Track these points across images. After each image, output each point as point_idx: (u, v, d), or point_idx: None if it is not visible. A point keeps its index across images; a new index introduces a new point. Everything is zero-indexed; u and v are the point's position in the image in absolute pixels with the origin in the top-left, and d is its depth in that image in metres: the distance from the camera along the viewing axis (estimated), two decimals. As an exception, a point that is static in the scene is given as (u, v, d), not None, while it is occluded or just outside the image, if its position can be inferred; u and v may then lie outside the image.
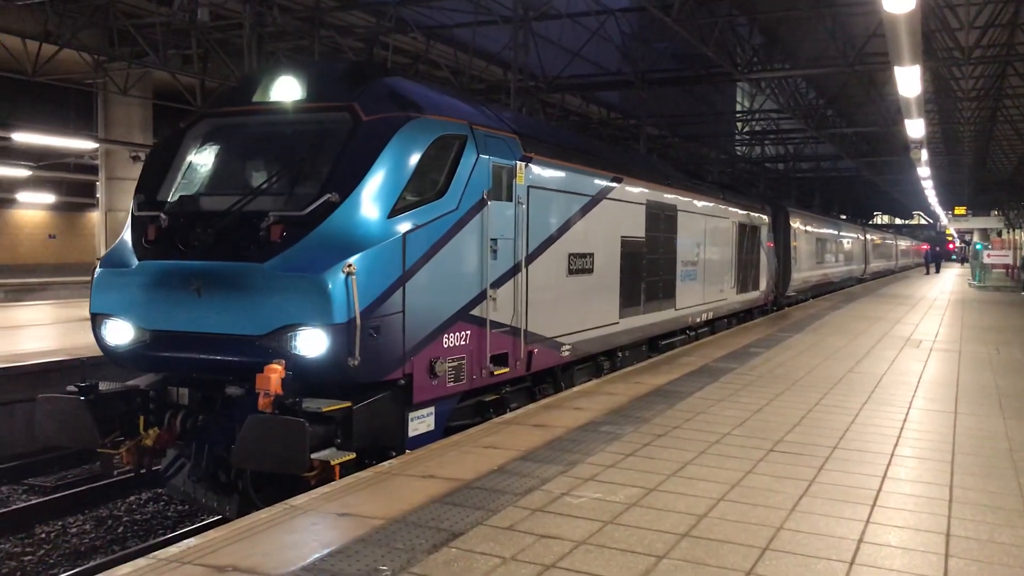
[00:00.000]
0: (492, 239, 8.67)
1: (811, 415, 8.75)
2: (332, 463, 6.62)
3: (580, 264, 10.95)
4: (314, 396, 7.03)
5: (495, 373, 8.83)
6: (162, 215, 7.70)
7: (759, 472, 6.54)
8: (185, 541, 4.95)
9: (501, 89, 25.09)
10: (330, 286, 6.84)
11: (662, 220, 14.26)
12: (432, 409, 8.05)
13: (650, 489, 6.02)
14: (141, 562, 4.60)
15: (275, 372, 6.65)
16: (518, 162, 9.30)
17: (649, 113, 29.76)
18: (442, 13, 22.22)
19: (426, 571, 4.47)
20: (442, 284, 7.89)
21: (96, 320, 7.82)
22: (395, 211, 7.40)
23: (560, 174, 10.44)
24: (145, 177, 8.37)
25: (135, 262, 7.59)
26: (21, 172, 26.99)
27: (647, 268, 13.48)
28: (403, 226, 7.43)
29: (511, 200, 9.12)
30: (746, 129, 42.13)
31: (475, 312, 8.43)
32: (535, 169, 9.69)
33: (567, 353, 10.61)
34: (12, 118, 25.07)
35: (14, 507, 9.28)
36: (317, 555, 4.67)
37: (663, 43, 28.97)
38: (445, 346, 7.99)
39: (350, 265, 6.90)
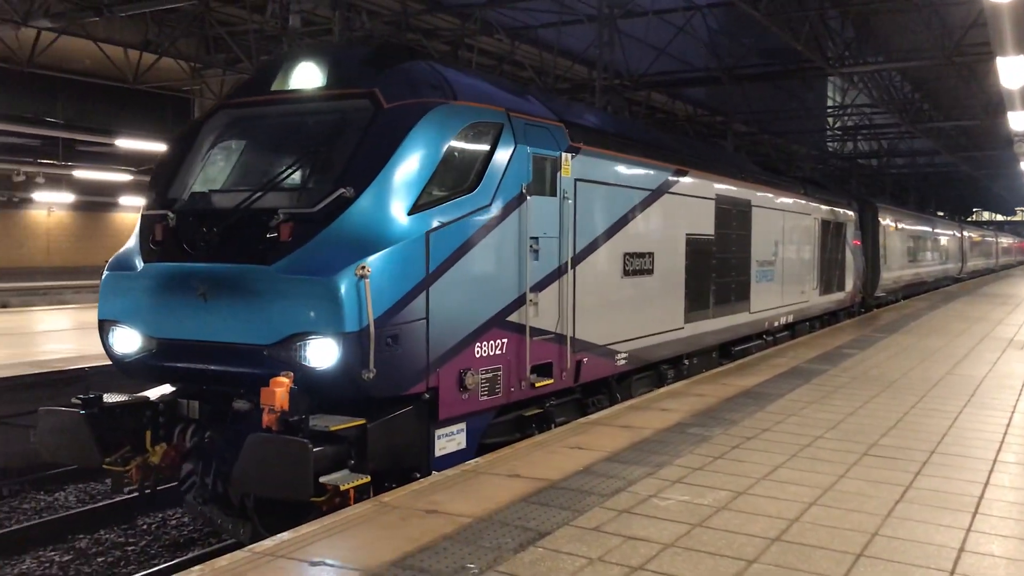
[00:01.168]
0: (532, 238, 7.93)
1: (907, 418, 8.48)
2: (342, 488, 5.94)
3: (638, 265, 10.15)
4: (330, 412, 6.51)
5: (537, 385, 8.06)
6: (169, 214, 7.14)
7: (853, 476, 6.37)
8: (279, 535, 5.08)
9: (586, 88, 25.01)
10: (340, 290, 6.20)
11: (734, 216, 13.34)
12: (463, 425, 7.35)
13: (739, 492, 5.93)
14: (239, 555, 4.74)
15: (281, 386, 6.01)
16: (563, 153, 8.53)
17: (737, 110, 29.30)
18: (527, 14, 22.27)
19: (513, 570, 4.49)
20: (473, 288, 7.21)
21: (103, 327, 7.33)
22: (417, 207, 6.73)
23: (613, 166, 9.61)
24: (157, 173, 7.88)
25: (140, 265, 7.11)
26: (124, 177, 28.09)
27: (717, 268, 12.62)
28: (427, 223, 6.76)
29: (555, 195, 8.36)
30: (837, 125, 41.09)
31: (512, 318, 7.71)
32: (584, 160, 8.90)
33: (623, 362, 9.82)
34: (114, 125, 26.12)
35: (118, 499, 9.65)
36: (406, 551, 4.74)
37: (751, 38, 28.45)
38: (477, 356, 7.29)
39: (363, 267, 6.26)
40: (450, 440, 7.24)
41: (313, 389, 6.35)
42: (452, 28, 22.98)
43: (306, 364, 6.33)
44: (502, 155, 7.61)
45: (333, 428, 6.14)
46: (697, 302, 11.87)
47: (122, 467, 6.92)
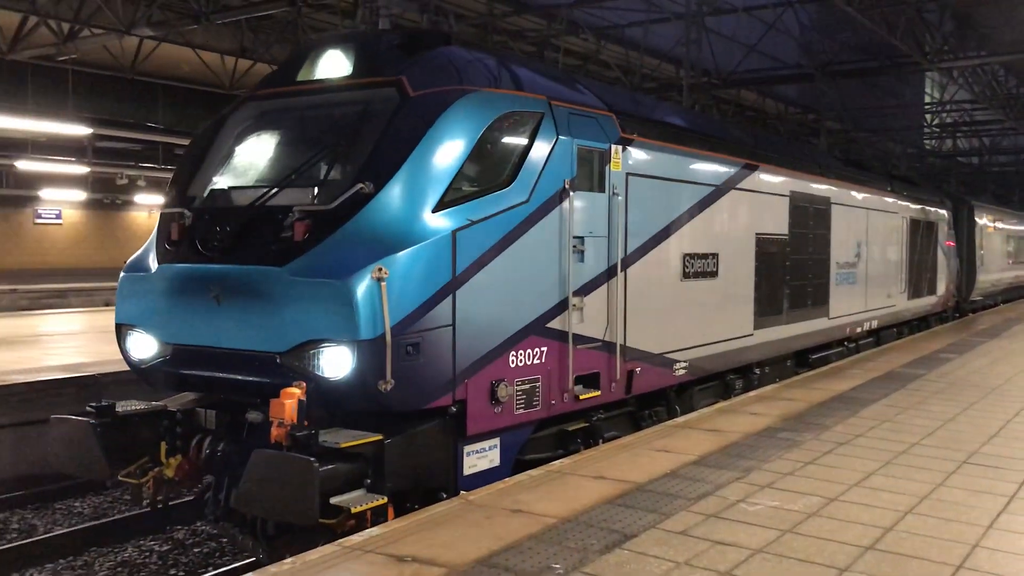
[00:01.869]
0: (577, 237, 7.40)
1: (1010, 426, 8.15)
2: (354, 510, 5.49)
3: (699, 266, 9.49)
4: (350, 426, 6.06)
5: (581, 398, 7.51)
6: (185, 212, 6.85)
7: (951, 485, 6.15)
8: (368, 530, 5.18)
9: (673, 87, 24.76)
10: (354, 294, 5.75)
11: (811, 214, 12.51)
12: (496, 441, 6.85)
13: (831, 499, 5.79)
14: (328, 548, 4.85)
15: (290, 397, 5.68)
16: (613, 145, 7.94)
17: (830, 107, 28.59)
18: (614, 13, 22.16)
19: (598, 571, 4.48)
20: (507, 292, 6.69)
21: (119, 331, 7.04)
22: (443, 203, 6.26)
23: (671, 159, 8.98)
24: (179, 170, 7.55)
25: (155, 266, 6.81)
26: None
27: (792, 271, 11.82)
28: (453, 221, 6.26)
29: (603, 190, 7.80)
30: (936, 122, 39.73)
31: (553, 325, 7.18)
32: (636, 153, 8.31)
33: (682, 372, 9.19)
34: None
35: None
36: (492, 549, 4.77)
37: (845, 33, 27.74)
38: (512, 366, 6.78)
39: (380, 269, 5.81)
40: (481, 457, 6.73)
41: (328, 401, 5.98)
42: (538, 29, 23.02)
43: (320, 374, 5.93)
44: (542, 147, 7.09)
45: (344, 445, 5.65)
46: (768, 307, 11.18)
47: (138, 479, 6.64)
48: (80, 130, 16.76)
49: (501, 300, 6.65)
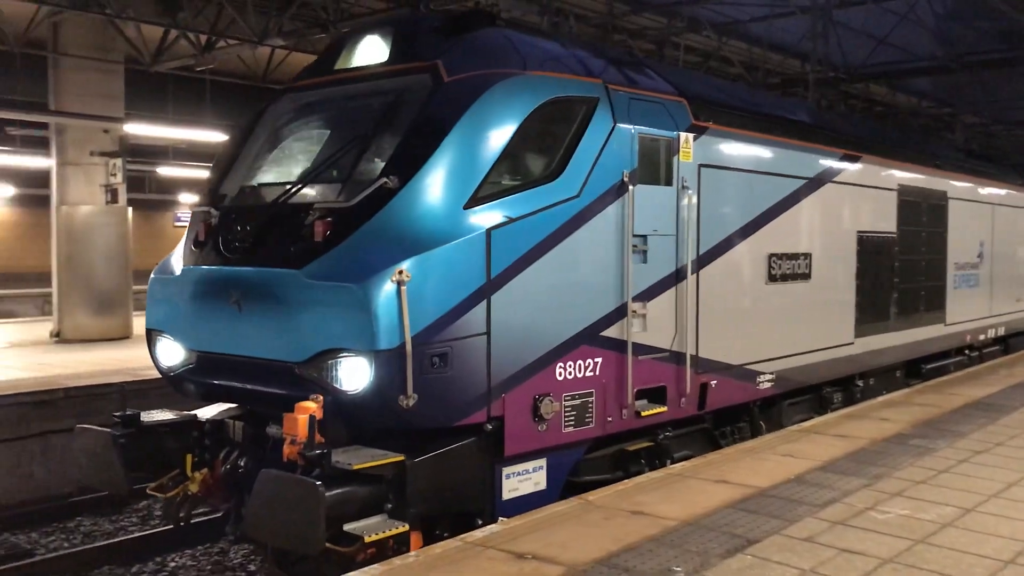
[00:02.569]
0: (638, 236, 6.84)
1: None
2: (367, 539, 5.11)
3: (788, 268, 8.75)
4: (376, 443, 5.66)
5: (643, 414, 6.94)
6: (212, 211, 6.54)
7: (1102, 499, 5.80)
8: (489, 527, 5.26)
9: (799, 82, 24.08)
10: (371, 300, 5.32)
11: (924, 211, 11.48)
12: (542, 462, 6.33)
13: (967, 509, 5.53)
14: (451, 543, 4.95)
15: (305, 412, 5.30)
16: (683, 133, 7.34)
17: (967, 100, 27.25)
18: (736, 8, 21.72)
19: (720, 576, 4.43)
20: (552, 297, 6.19)
21: (149, 336, 6.79)
22: (476, 199, 5.80)
23: (753, 149, 8.29)
24: (214, 166, 7.26)
25: (180, 268, 6.55)
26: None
27: (901, 273, 10.88)
28: (488, 218, 5.78)
29: (670, 183, 7.21)
30: (1086, 112, 37.22)
31: (609, 333, 6.65)
32: (711, 142, 7.69)
33: (768, 385, 8.53)
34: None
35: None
36: (611, 550, 4.77)
37: (984, 21, 26.36)
38: (559, 378, 6.27)
39: (401, 271, 5.35)
40: (523, 480, 6.20)
41: (347, 417, 5.60)
42: (658, 27, 22.78)
43: (338, 386, 5.54)
44: (596, 135, 6.55)
45: (357, 466, 5.24)
46: (873, 313, 10.27)
47: (165, 493, 6.40)
48: (216, 136, 17.57)
49: (546, 306, 6.17)
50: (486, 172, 5.90)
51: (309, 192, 6.18)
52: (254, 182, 6.77)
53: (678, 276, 7.35)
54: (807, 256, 9.12)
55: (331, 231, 5.70)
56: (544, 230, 6.14)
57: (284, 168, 6.83)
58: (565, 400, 6.35)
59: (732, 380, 8.09)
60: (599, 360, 6.60)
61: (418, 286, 5.43)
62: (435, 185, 5.74)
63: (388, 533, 5.23)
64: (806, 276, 9.10)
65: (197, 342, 6.39)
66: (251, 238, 6.14)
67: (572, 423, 6.43)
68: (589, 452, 6.79)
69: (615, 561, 4.61)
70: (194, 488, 6.38)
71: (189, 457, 6.45)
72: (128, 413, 6.34)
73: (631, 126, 6.88)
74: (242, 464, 6.26)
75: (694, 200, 7.47)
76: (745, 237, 8.23)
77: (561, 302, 6.30)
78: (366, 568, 4.62)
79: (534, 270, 6.05)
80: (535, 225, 6.08)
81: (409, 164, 5.78)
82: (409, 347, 5.34)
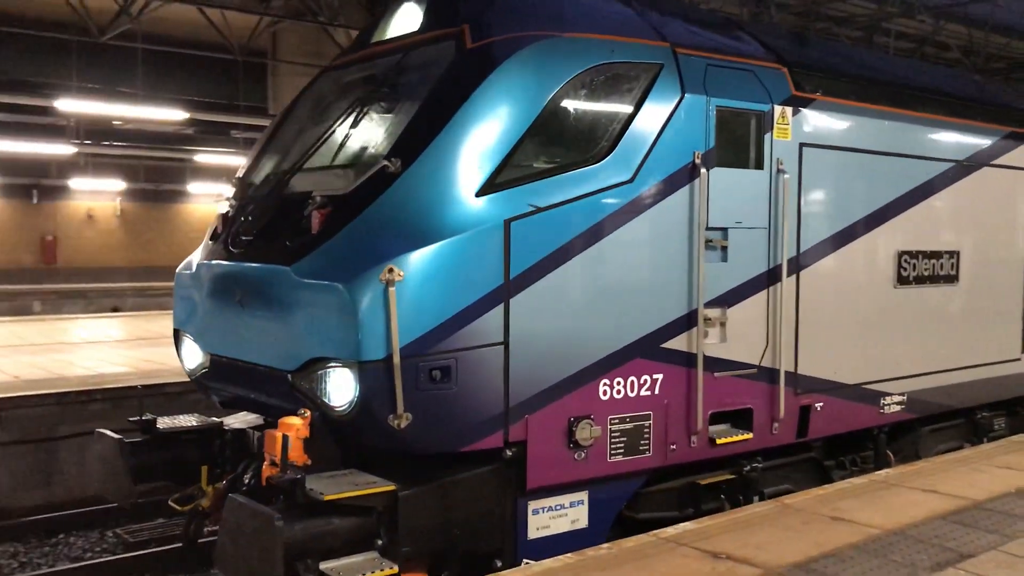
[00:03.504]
0: (715, 229, 5.95)
1: None
2: None
3: (927, 269, 7.49)
4: (386, 466, 5.01)
5: (720, 442, 6.01)
6: (231, 201, 6.16)
7: None
8: (682, 524, 5.24)
9: (1025, 66, 22.26)
10: (356, 302, 4.68)
11: None
12: (582, 496, 5.52)
13: None
14: (644, 538, 4.98)
15: (287, 429, 4.87)
16: (778, 107, 6.35)
17: None
18: (954, -11, 20.35)
19: (929, 589, 4.21)
20: (595, 300, 5.42)
21: (176, 336, 6.41)
22: (493, 185, 5.05)
23: (876, 125, 7.08)
24: (251, 153, 6.80)
25: (195, 264, 6.17)
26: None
27: None
28: (507, 207, 5.03)
29: (761, 166, 6.25)
30: None
31: (673, 345, 5.79)
32: (817, 117, 6.64)
33: (896, 408, 7.31)
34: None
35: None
36: (810, 555, 4.64)
37: None
38: (603, 397, 5.46)
39: (392, 269, 4.67)
40: (557, 516, 5.43)
41: (337, 435, 5.09)
42: (867, 13, 21.68)
43: (327, 401, 4.96)
44: (657, 109, 5.67)
45: (328, 497, 4.57)
46: None
47: (182, 507, 5.97)
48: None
49: (586, 312, 5.37)
50: (506, 153, 5.13)
51: (319, 179, 5.65)
52: (277, 170, 6.26)
53: (771, 277, 6.36)
54: (953, 255, 7.77)
55: (328, 222, 5.12)
56: (585, 221, 5.32)
57: (304, 154, 6.13)
58: (612, 424, 5.51)
59: (845, 402, 6.95)
60: (659, 377, 5.72)
61: (414, 286, 4.74)
62: (442, 168, 5.02)
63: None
64: (951, 279, 7.79)
65: (210, 344, 5.99)
66: (255, 231, 5.70)
67: (621, 451, 5.57)
68: (649, 484, 5.93)
69: (814, 566, 4.48)
70: (206, 503, 5.90)
71: (205, 469, 5.99)
72: (145, 418, 5.96)
73: (706, 97, 5.93)
74: (246, 480, 5.68)
75: (793, 186, 6.44)
76: (865, 231, 7.06)
77: (606, 307, 5.47)
78: (558, 557, 4.72)
79: (570, 269, 5.28)
80: (572, 215, 5.27)
81: (414, 145, 5.13)
82: (397, 358, 4.66)
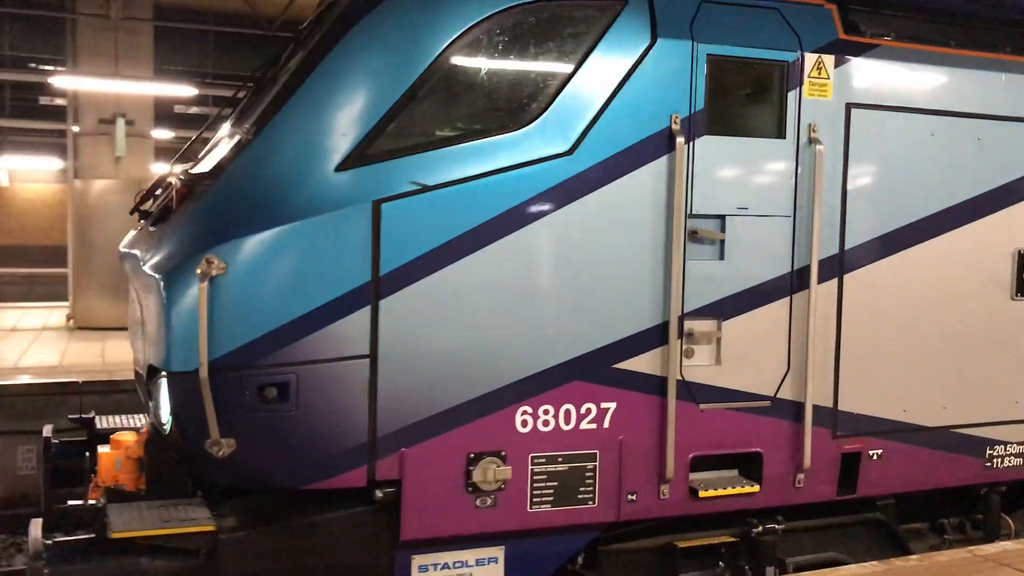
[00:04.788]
0: (703, 216, 4.68)
1: None
2: None
3: None
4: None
5: (704, 495, 4.70)
6: (165, 180, 5.27)
7: None
8: (1002, 543, 4.91)
9: None
10: (168, 299, 3.94)
11: None
12: (497, 552, 4.49)
13: None
14: (957, 554, 4.73)
15: (117, 447, 4.37)
16: (810, 55, 4.87)
17: None
18: None
19: None
20: (506, 305, 4.33)
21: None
22: (363, 156, 4.13)
23: (981, 79, 5.34)
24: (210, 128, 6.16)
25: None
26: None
27: None
28: (377, 185, 4.10)
29: (783, 134, 4.87)
30: None
31: (631, 365, 4.57)
32: (877, 68, 5.06)
33: (1016, 462, 5.60)
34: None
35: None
36: None
37: None
38: (523, 429, 4.38)
39: (210, 260, 3.87)
40: (455, 574, 4.45)
41: (174, 458, 4.38)
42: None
43: (160, 416, 4.26)
44: (613, 59, 4.46)
45: (116, 535, 3.96)
46: None
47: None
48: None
49: (495, 320, 4.31)
50: (379, 118, 4.18)
51: (211, 156, 4.97)
52: (202, 147, 5.64)
53: (796, 282, 4.92)
54: None
55: (180, 204, 4.46)
56: (498, 204, 4.27)
57: (220, 129, 5.55)
58: (535, 464, 4.42)
59: (923, 451, 5.31)
60: (610, 406, 4.54)
61: (242, 281, 3.95)
62: (291, 138, 4.20)
63: None
64: None
65: (132, 340, 5.37)
66: (149, 215, 5.04)
67: (549, 499, 4.46)
68: (616, 541, 4.84)
69: None
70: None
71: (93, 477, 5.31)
72: (82, 416, 5.38)
73: (692, 43, 4.62)
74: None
75: (834, 161, 4.96)
76: (959, 222, 5.33)
77: (528, 315, 4.37)
78: (865, 564, 4.61)
79: (474, 264, 4.24)
80: (479, 196, 4.23)
81: (269, 111, 4.35)
82: (204, 371, 3.86)
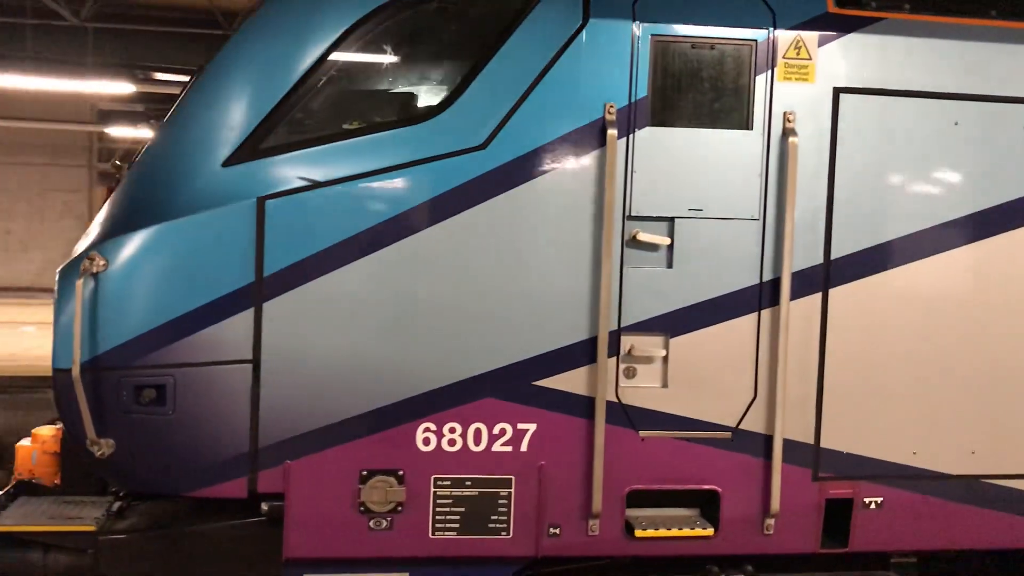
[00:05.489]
0: (646, 218, 4.15)
1: None
2: None
3: None
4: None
5: (640, 535, 4.15)
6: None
7: None
8: None
9: None
10: (56, 295, 3.99)
11: None
12: None
13: None
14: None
15: (35, 440, 4.51)
16: (785, 32, 4.21)
17: None
18: None
19: None
20: (407, 312, 4.04)
21: None
22: (252, 152, 3.97)
23: (1003, 51, 4.36)
24: None
25: None
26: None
27: None
28: (262, 182, 3.94)
29: (748, 125, 4.22)
30: None
31: (553, 384, 4.13)
32: (872, 46, 4.29)
33: None
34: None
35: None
36: None
37: None
38: (425, 448, 4.08)
39: (93, 257, 3.87)
40: None
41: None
42: None
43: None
44: (535, 44, 4.08)
45: (1, 528, 4.06)
46: None
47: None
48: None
49: (395, 328, 4.03)
50: (267, 110, 4.04)
51: None
52: None
53: (766, 295, 4.26)
54: None
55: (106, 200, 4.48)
56: (396, 203, 4.02)
57: None
58: (438, 486, 4.11)
59: (943, 502, 4.43)
60: (529, 428, 4.14)
61: (121, 279, 3.92)
62: (182, 132, 4.15)
63: None
64: None
65: None
66: None
67: (455, 526, 4.13)
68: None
69: None
70: None
71: None
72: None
73: (633, 23, 4.14)
74: None
75: (817, 155, 4.26)
76: (992, 230, 4.37)
77: (432, 324, 4.07)
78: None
79: (369, 267, 4.00)
80: (376, 193, 4.01)
81: (172, 107, 4.35)
82: (76, 369, 3.84)
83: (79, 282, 3.86)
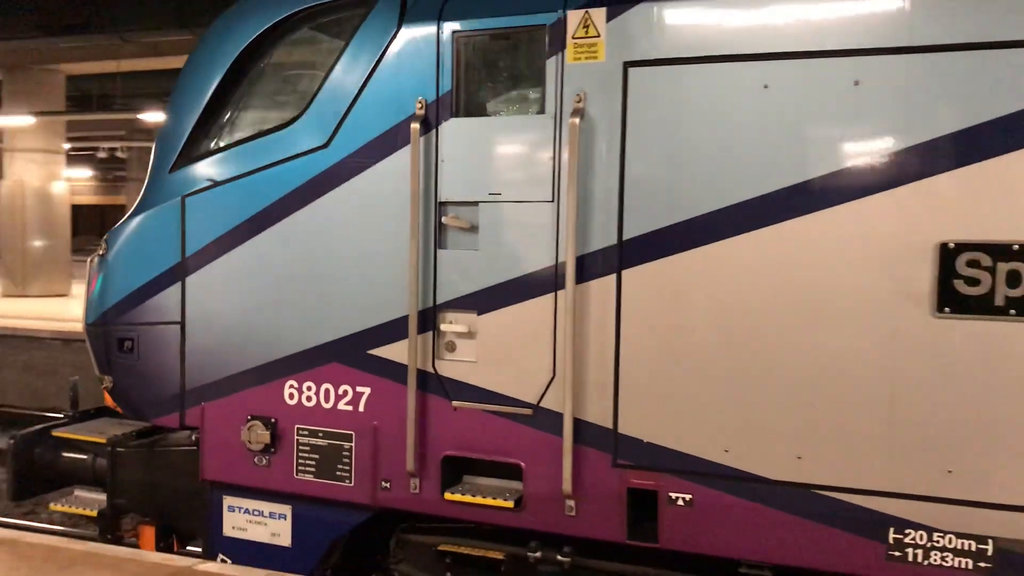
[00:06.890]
0: (454, 203, 4.48)
1: None
2: (51, 506, 5.50)
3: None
4: None
5: (449, 497, 4.46)
6: None
7: None
8: None
9: None
10: (88, 267, 5.48)
11: None
12: (286, 510, 4.96)
13: None
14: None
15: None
16: (574, 12, 4.16)
17: None
18: None
19: None
20: (272, 287, 4.88)
21: None
22: (190, 158, 5.17)
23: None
24: None
25: None
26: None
27: None
28: (186, 183, 5.12)
29: (542, 110, 4.27)
30: None
31: (383, 353, 4.62)
32: (662, 12, 4.03)
33: (931, 560, 3.67)
34: None
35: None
36: None
37: None
38: (290, 401, 4.88)
39: (103, 243, 5.36)
40: (255, 522, 5.06)
41: None
42: None
43: None
44: (363, 52, 4.70)
45: (56, 433, 5.59)
46: None
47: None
48: None
49: (265, 301, 4.92)
50: (192, 124, 5.17)
51: None
52: None
53: (559, 276, 4.28)
54: None
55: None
56: (267, 196, 4.89)
57: None
58: (300, 435, 4.88)
59: (770, 511, 3.96)
60: (365, 391, 4.73)
61: (111, 259, 5.34)
62: (160, 144, 5.36)
63: (70, 510, 5.48)
64: None
65: None
66: None
67: (311, 470, 4.87)
68: (413, 532, 4.83)
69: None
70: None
71: None
72: (76, 412, 6.05)
73: (438, 24, 4.50)
74: None
75: (606, 135, 4.17)
76: (826, 202, 3.81)
77: (291, 298, 4.86)
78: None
79: (246, 250, 4.96)
80: (249, 190, 4.93)
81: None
82: (83, 324, 5.46)
83: (91, 260, 5.46)
